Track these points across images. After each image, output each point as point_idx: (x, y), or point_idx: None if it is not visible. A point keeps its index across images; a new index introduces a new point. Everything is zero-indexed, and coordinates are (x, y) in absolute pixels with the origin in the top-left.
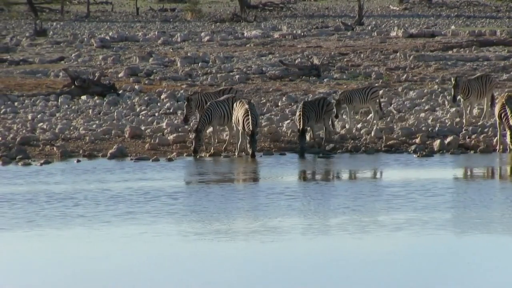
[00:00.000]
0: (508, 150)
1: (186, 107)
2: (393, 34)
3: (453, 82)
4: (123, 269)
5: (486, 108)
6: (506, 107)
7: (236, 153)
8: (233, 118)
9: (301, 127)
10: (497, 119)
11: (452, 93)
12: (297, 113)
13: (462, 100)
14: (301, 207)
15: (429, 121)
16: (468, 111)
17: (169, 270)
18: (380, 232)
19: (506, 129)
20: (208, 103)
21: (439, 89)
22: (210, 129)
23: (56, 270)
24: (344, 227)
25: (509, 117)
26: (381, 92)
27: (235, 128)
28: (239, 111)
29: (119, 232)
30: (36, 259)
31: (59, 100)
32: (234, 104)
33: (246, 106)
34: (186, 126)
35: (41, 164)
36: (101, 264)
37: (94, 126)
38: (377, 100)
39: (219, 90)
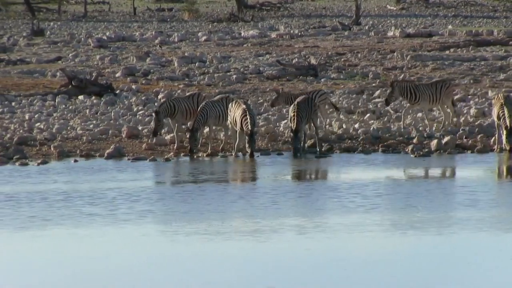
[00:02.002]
0: (507, 150)
1: (154, 120)
2: (390, 34)
3: (390, 88)
4: (123, 269)
5: (445, 116)
6: (504, 107)
7: (234, 153)
8: (229, 118)
9: (295, 127)
10: (495, 119)
11: (386, 97)
12: (291, 114)
13: (408, 104)
14: (300, 207)
15: (426, 121)
16: (425, 115)
17: (169, 270)
18: (380, 232)
19: (503, 129)
20: (203, 103)
21: None
22: (206, 129)
23: (57, 270)
24: (344, 227)
25: (506, 117)
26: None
27: (231, 128)
28: (236, 111)
29: (119, 232)
30: (38, 258)
31: (56, 100)
32: (230, 105)
33: (244, 106)
34: (154, 140)
35: (38, 164)
36: (102, 263)
37: (91, 126)
38: (326, 104)
39: (188, 95)
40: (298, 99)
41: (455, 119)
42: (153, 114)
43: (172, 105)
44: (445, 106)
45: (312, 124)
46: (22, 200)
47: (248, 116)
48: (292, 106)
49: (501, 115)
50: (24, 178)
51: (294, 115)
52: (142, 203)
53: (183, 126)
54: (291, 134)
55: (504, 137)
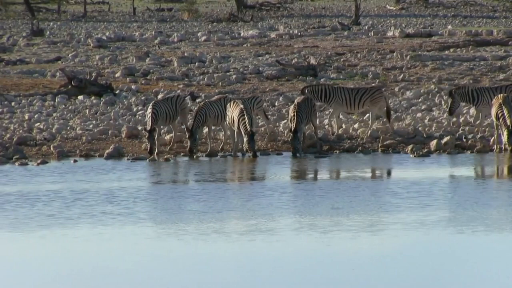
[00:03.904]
0: (508, 150)
1: (148, 139)
2: (390, 34)
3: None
4: (123, 269)
5: (371, 121)
6: (503, 107)
7: (233, 153)
8: (227, 118)
9: (295, 127)
10: (494, 119)
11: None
12: (291, 114)
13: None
14: (300, 207)
15: (426, 121)
16: (335, 118)
17: (169, 270)
18: (380, 232)
19: (503, 129)
20: (202, 103)
21: (436, 89)
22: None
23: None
24: (344, 227)
25: (506, 117)
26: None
27: (229, 128)
28: (233, 111)
29: (118, 232)
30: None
31: (56, 100)
32: (228, 105)
33: (241, 106)
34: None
35: (38, 164)
36: (99, 263)
37: (91, 126)
38: (263, 110)
39: (167, 97)
40: (297, 100)
41: (453, 119)
42: (146, 132)
43: (156, 112)
44: (373, 112)
45: (312, 124)
46: (38, 199)
47: (245, 116)
48: (292, 106)
49: (500, 115)
50: (33, 178)
51: (294, 115)
52: (157, 202)
53: (182, 126)
54: (291, 134)
55: (505, 137)
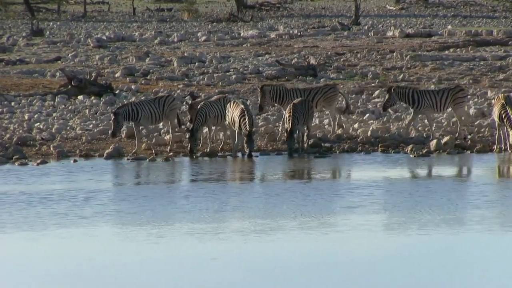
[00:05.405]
0: (510, 151)
1: (113, 121)
2: (389, 34)
3: (260, 93)
4: (122, 269)
5: (332, 121)
6: (507, 107)
7: (233, 153)
8: (227, 118)
9: (290, 127)
10: (496, 120)
11: (259, 103)
12: (287, 114)
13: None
14: (299, 207)
15: (426, 121)
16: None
17: (168, 271)
18: (379, 232)
19: (509, 130)
20: (202, 103)
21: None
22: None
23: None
24: (343, 227)
25: (511, 117)
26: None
27: (230, 128)
28: (234, 111)
29: (131, 231)
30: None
31: (56, 100)
32: (228, 105)
33: (242, 106)
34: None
35: (38, 164)
36: (98, 264)
37: (90, 126)
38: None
39: (154, 98)
40: (294, 101)
41: (453, 119)
42: (112, 115)
43: (134, 109)
44: (331, 112)
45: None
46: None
47: (246, 116)
48: (288, 107)
49: (504, 116)
50: (41, 177)
51: (289, 116)
52: (168, 201)
53: (183, 127)
54: (286, 134)
55: (511, 138)
